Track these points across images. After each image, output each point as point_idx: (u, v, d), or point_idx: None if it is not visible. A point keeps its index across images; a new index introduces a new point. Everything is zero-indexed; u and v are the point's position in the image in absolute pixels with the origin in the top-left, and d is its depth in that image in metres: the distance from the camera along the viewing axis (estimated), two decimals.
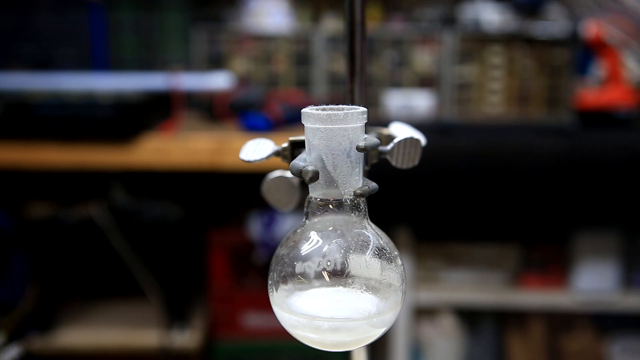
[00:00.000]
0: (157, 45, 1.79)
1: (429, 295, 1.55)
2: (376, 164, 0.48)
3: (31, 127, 1.37)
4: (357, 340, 0.41)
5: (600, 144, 1.43)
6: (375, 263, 0.41)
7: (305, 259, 0.41)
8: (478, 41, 1.56)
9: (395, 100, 1.57)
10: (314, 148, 0.41)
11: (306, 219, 0.43)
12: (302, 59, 1.65)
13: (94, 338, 1.52)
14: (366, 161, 0.46)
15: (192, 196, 1.72)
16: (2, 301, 1.47)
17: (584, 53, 1.66)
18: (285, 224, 1.54)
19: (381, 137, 0.50)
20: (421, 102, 1.56)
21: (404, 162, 0.47)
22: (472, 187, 1.44)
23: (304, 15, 1.79)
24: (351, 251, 0.41)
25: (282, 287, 0.42)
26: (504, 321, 1.64)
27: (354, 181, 0.41)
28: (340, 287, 0.41)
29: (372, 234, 0.42)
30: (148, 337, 1.51)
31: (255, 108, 1.46)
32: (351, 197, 0.42)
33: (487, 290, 1.57)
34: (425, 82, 1.61)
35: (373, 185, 0.42)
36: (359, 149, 0.41)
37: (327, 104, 0.43)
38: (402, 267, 0.42)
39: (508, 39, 1.55)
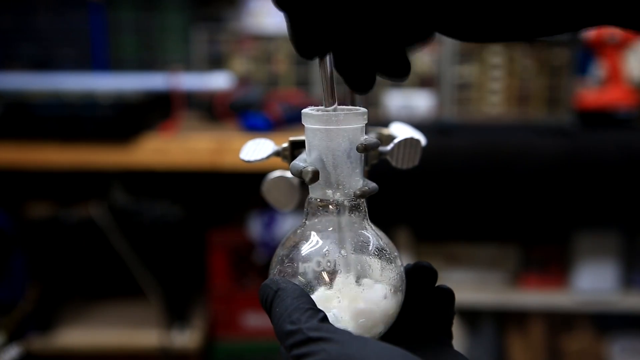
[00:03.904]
0: (157, 45, 1.79)
1: None
2: (376, 164, 0.48)
3: (31, 127, 1.37)
4: None
5: (600, 144, 1.43)
6: (375, 263, 0.41)
7: (305, 259, 0.41)
8: None
9: (395, 100, 1.57)
10: (314, 148, 0.41)
11: (306, 219, 0.43)
12: (302, 59, 1.65)
13: (94, 338, 1.52)
14: (366, 161, 0.46)
15: (192, 196, 1.72)
16: (2, 301, 1.47)
17: (584, 53, 1.66)
18: (285, 224, 1.54)
19: (381, 137, 0.50)
20: (421, 102, 1.56)
21: (404, 162, 0.47)
22: (472, 187, 1.44)
23: None
24: (351, 252, 0.41)
25: None
26: (504, 321, 1.64)
27: (354, 182, 0.41)
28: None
29: (372, 234, 0.42)
30: (148, 337, 1.51)
31: (255, 108, 1.46)
32: (351, 198, 0.42)
33: (487, 290, 1.57)
34: (425, 82, 1.61)
35: (373, 185, 0.42)
36: (359, 149, 0.40)
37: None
38: (402, 268, 0.42)
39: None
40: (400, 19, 0.36)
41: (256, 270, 1.61)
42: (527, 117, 1.56)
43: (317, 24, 0.37)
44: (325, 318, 0.36)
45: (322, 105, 0.42)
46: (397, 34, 0.37)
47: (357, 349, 0.33)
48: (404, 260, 0.43)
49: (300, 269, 0.41)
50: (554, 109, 1.55)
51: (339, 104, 0.42)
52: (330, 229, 0.42)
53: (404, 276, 0.42)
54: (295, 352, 0.35)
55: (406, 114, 1.55)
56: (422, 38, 0.38)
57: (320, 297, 0.40)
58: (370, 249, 0.42)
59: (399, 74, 0.40)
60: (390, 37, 0.37)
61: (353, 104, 0.44)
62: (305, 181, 0.41)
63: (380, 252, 0.42)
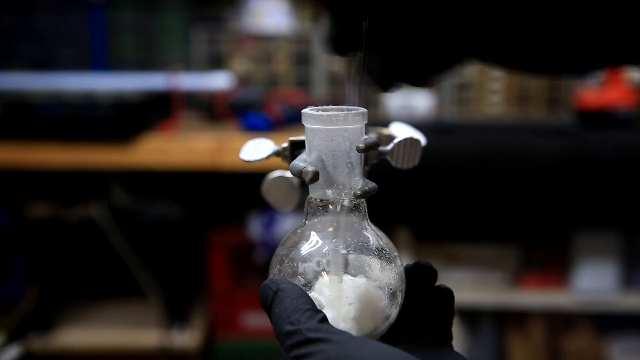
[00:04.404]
0: (157, 45, 1.79)
1: None
2: (376, 164, 0.48)
3: (31, 127, 1.37)
4: None
5: (600, 144, 1.43)
6: (375, 263, 0.41)
7: (304, 259, 0.41)
8: None
9: (395, 100, 1.57)
10: (314, 148, 0.41)
11: (306, 219, 0.43)
12: (302, 59, 1.65)
13: (94, 338, 1.52)
14: (366, 161, 0.46)
15: (192, 196, 1.72)
16: (2, 301, 1.47)
17: None
18: (285, 224, 1.54)
19: (381, 137, 0.50)
20: (421, 102, 1.56)
21: (404, 162, 0.47)
22: (472, 187, 1.44)
23: (304, 15, 1.79)
24: (351, 252, 0.41)
25: None
26: (504, 321, 1.64)
27: (354, 182, 0.41)
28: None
29: (372, 234, 0.42)
30: (148, 337, 1.51)
31: (255, 108, 1.46)
32: (351, 198, 0.42)
33: (487, 290, 1.57)
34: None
35: (373, 185, 0.42)
36: (359, 149, 0.41)
37: (327, 104, 0.43)
38: (401, 268, 0.42)
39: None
40: (437, 37, 0.37)
41: (256, 270, 1.61)
42: (527, 117, 1.56)
43: (355, 24, 0.37)
44: (324, 319, 0.36)
45: (322, 105, 0.42)
46: (430, 52, 0.38)
47: (356, 350, 0.33)
48: (403, 260, 0.43)
49: (300, 269, 0.41)
50: (554, 109, 1.55)
51: (337, 104, 0.42)
52: (330, 229, 0.42)
53: (403, 276, 0.42)
54: (295, 352, 0.35)
55: (406, 114, 1.55)
56: (450, 62, 0.39)
57: (319, 297, 0.40)
58: (370, 248, 0.42)
59: (417, 85, 0.41)
60: (422, 54, 0.38)
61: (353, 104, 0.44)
62: (305, 181, 0.41)
63: (380, 252, 0.42)
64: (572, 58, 0.36)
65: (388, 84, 0.41)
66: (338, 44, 0.39)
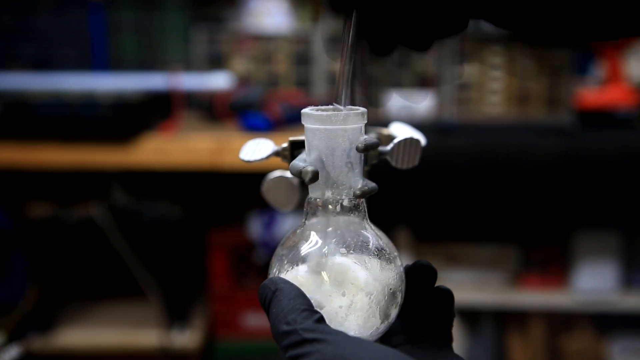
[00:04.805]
0: (157, 45, 1.79)
1: None
2: (376, 164, 0.48)
3: (31, 127, 1.37)
4: None
5: (600, 144, 1.43)
6: (375, 263, 0.41)
7: (304, 259, 0.41)
8: (478, 41, 1.56)
9: (395, 100, 1.57)
10: (314, 148, 0.41)
11: (306, 219, 0.43)
12: (302, 59, 1.65)
13: (94, 338, 1.52)
14: (366, 161, 0.46)
15: (192, 196, 1.72)
16: (2, 301, 1.47)
17: (584, 53, 1.66)
18: (285, 224, 1.54)
19: (381, 137, 0.50)
20: (421, 102, 1.56)
21: (404, 162, 0.47)
22: (472, 187, 1.44)
23: (304, 15, 1.79)
24: (351, 252, 0.41)
25: None
26: (504, 321, 1.64)
27: (354, 182, 0.41)
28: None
29: (372, 234, 0.42)
30: (148, 337, 1.51)
31: (255, 108, 1.46)
32: (351, 198, 0.42)
33: (487, 290, 1.57)
34: (425, 82, 1.61)
35: (373, 185, 0.42)
36: (358, 149, 0.41)
37: (327, 104, 0.43)
38: (401, 268, 0.42)
39: (508, 39, 1.55)
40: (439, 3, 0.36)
41: (256, 270, 1.61)
42: (527, 117, 1.56)
43: None
44: (321, 319, 0.36)
45: (321, 105, 0.42)
46: (432, 16, 0.37)
47: (352, 350, 0.33)
48: (403, 260, 0.43)
49: (300, 269, 0.41)
50: (554, 109, 1.55)
51: (334, 104, 0.42)
52: (330, 228, 0.42)
53: (403, 276, 0.42)
54: (291, 353, 0.35)
55: (406, 114, 1.55)
56: (457, 27, 0.37)
57: (317, 296, 0.40)
58: (369, 248, 0.42)
59: (420, 50, 0.39)
60: (424, 18, 0.37)
61: (353, 104, 0.44)
62: (304, 181, 0.41)
63: (379, 252, 0.42)
64: (578, 25, 0.35)
65: (387, 48, 0.39)
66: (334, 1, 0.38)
